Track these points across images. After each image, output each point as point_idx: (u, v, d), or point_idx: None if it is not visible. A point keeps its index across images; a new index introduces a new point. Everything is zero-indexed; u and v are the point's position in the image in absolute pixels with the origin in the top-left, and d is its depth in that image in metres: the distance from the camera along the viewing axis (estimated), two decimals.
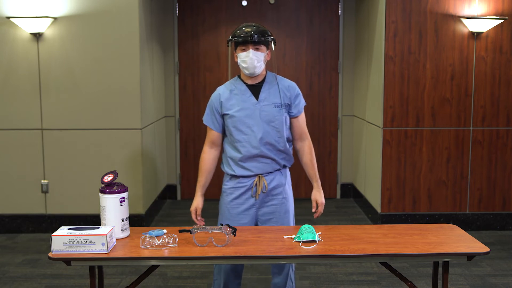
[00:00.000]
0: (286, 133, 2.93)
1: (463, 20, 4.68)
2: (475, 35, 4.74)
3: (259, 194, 2.92)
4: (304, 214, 5.13)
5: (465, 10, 4.70)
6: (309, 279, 3.87)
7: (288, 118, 2.94)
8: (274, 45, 2.92)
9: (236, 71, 3.04)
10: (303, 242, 2.47)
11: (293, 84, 2.98)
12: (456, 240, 2.52)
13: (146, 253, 2.35)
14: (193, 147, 6.02)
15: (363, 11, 5.49)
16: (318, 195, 3.00)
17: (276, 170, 2.95)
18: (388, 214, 4.91)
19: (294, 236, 2.54)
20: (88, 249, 2.32)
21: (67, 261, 2.32)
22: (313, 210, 3.00)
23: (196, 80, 5.94)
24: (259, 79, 2.92)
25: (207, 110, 2.98)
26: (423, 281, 3.82)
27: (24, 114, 4.73)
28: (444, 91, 4.78)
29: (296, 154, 3.06)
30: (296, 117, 2.96)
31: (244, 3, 5.83)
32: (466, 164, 4.87)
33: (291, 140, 3.00)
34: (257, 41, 2.81)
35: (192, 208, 3.03)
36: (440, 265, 2.63)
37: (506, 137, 4.86)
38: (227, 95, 2.92)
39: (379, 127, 4.88)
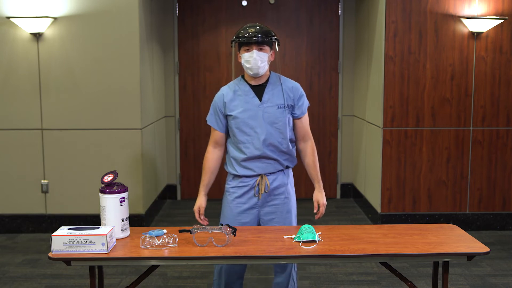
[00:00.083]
0: (289, 134, 2.93)
1: (463, 20, 4.68)
2: (475, 35, 4.74)
3: (261, 194, 2.92)
4: (304, 214, 5.12)
5: (465, 10, 4.70)
6: (309, 279, 3.87)
7: (291, 119, 2.94)
8: (278, 45, 2.92)
9: (239, 71, 3.04)
10: (303, 242, 2.47)
11: (297, 85, 2.97)
12: (456, 240, 2.52)
13: (146, 253, 2.35)
14: (193, 147, 6.02)
15: (363, 11, 5.49)
16: (319, 196, 3.00)
17: (278, 171, 2.95)
18: (388, 214, 4.91)
19: (294, 236, 2.54)
20: (88, 249, 2.32)
21: (67, 261, 2.32)
22: (315, 211, 3.01)
23: (196, 80, 5.94)
24: (263, 80, 2.92)
25: (211, 110, 2.98)
26: (423, 281, 3.82)
27: (24, 114, 4.73)
28: (444, 91, 4.78)
29: (298, 154, 3.06)
30: (300, 118, 2.96)
31: (244, 3, 5.83)
32: (466, 164, 4.87)
33: (294, 141, 3.00)
34: (261, 41, 2.80)
35: (195, 207, 3.02)
36: (440, 265, 2.63)
37: (506, 137, 4.86)
38: (230, 96, 2.91)
39: (379, 127, 4.88)
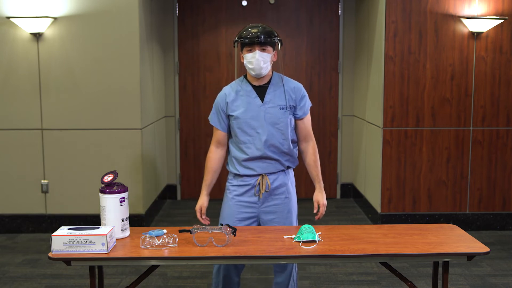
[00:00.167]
0: (290, 135, 2.93)
1: (463, 20, 4.68)
2: (475, 35, 4.74)
3: (262, 193, 2.92)
4: (304, 214, 5.12)
5: (465, 10, 4.70)
6: (309, 279, 3.87)
7: (293, 119, 2.94)
8: (281, 46, 2.91)
9: (242, 71, 3.04)
10: (303, 242, 2.47)
11: (299, 85, 2.96)
12: (456, 240, 2.52)
13: (146, 253, 2.35)
14: (193, 147, 6.02)
15: (363, 11, 5.49)
16: (320, 196, 3.00)
17: (279, 171, 2.95)
18: (388, 214, 4.91)
19: (294, 236, 2.54)
20: (88, 249, 2.32)
21: (67, 261, 2.32)
22: (315, 211, 3.00)
23: (196, 80, 5.94)
24: (265, 80, 2.91)
25: (213, 110, 2.98)
26: (423, 281, 3.82)
27: (24, 114, 4.73)
28: (444, 91, 4.78)
29: (300, 154, 3.05)
30: (302, 119, 2.95)
31: (244, 3, 5.83)
32: (466, 164, 4.87)
33: (296, 142, 3.00)
34: (264, 42, 2.80)
35: (197, 207, 3.01)
36: (440, 265, 2.63)
37: (506, 137, 4.86)
38: (233, 96, 2.91)
39: (379, 127, 4.88)
